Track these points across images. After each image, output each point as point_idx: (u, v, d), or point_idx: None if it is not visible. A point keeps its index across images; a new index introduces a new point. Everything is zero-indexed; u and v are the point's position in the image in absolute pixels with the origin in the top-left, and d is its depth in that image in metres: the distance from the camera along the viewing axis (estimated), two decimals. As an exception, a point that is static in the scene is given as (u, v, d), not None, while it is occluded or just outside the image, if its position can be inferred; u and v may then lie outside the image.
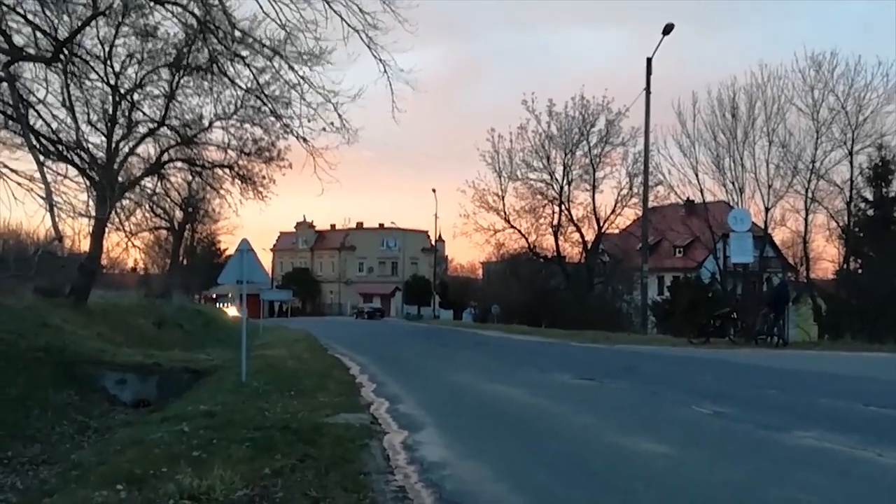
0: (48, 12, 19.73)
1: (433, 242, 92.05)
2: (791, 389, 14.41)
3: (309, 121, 20.68)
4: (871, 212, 38.55)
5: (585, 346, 27.73)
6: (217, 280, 17.33)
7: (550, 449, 9.21)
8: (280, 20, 17.68)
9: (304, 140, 20.54)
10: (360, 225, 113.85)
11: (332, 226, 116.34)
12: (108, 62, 30.89)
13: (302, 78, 18.92)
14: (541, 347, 27.86)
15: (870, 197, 38.47)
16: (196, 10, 19.46)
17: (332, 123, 19.80)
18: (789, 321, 30.93)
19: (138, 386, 18.91)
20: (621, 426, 10.68)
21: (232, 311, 63.28)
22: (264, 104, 24.69)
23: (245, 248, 15.66)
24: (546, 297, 50.87)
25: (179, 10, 20.35)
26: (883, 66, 36.04)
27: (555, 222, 49.13)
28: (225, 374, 18.29)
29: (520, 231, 50.02)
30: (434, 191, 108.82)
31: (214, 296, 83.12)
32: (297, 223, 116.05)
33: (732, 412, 11.44)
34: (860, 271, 38.49)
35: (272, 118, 31.86)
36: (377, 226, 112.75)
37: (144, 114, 32.70)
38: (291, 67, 18.83)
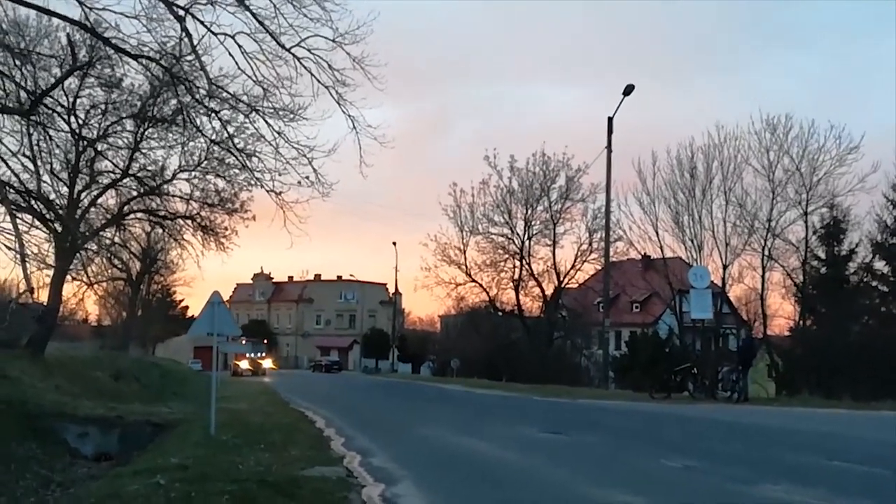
0: (26, 69, 19.78)
1: (391, 295, 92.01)
2: (756, 444, 14.67)
3: (280, 174, 20.81)
4: (823, 270, 39.44)
5: (548, 400, 27.87)
6: (188, 332, 17.23)
7: (529, 502, 9.31)
8: (256, 76, 17.86)
9: (276, 193, 20.67)
10: (318, 277, 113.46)
11: (290, 277, 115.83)
12: (73, 112, 30.90)
13: (278, 133, 19.09)
14: (504, 401, 27.94)
15: (823, 256, 39.39)
16: (164, 63, 19.61)
17: (307, 178, 19.94)
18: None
19: (100, 439, 18.64)
20: (595, 479, 10.80)
21: (267, 362, 73.06)
22: (235, 157, 24.79)
23: (216, 301, 15.66)
24: (506, 351, 51.06)
25: (147, 61, 20.50)
26: (835, 130, 37.04)
27: (516, 276, 49.57)
28: (189, 427, 18.10)
29: (481, 285, 50.36)
30: (394, 244, 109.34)
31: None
32: (255, 275, 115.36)
33: (701, 466, 11.64)
34: (814, 328, 39.25)
35: (236, 170, 32.00)
36: (335, 278, 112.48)
37: (113, 162, 32.64)
38: (268, 123, 18.99)
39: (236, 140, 23.42)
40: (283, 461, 12.15)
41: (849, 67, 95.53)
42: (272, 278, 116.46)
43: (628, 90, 31.25)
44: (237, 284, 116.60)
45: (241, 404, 24.81)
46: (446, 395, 32.59)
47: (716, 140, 38.13)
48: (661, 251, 39.97)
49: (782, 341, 40.54)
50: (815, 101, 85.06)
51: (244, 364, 65.17)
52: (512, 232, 49.07)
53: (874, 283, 39.56)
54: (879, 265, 39.06)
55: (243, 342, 64.31)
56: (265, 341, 77.46)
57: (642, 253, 42.66)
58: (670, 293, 42.11)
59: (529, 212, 48.51)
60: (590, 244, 47.78)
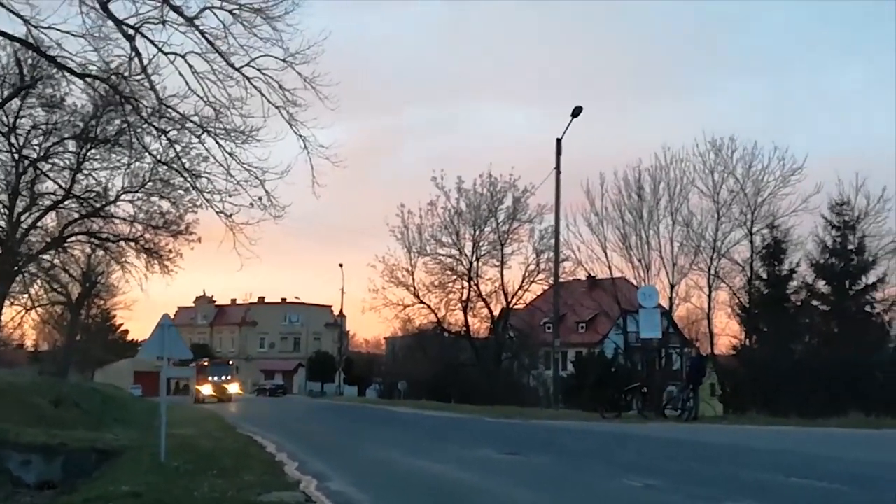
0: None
1: (336, 317, 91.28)
2: (712, 462, 14.74)
3: (230, 196, 20.48)
4: (766, 290, 40.10)
5: (500, 421, 27.76)
6: (137, 355, 16.85)
7: (496, 524, 9.19)
8: (207, 97, 17.61)
9: (227, 215, 20.32)
10: (261, 300, 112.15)
11: (233, 300, 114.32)
12: (14, 132, 30.22)
13: (230, 154, 18.80)
14: (455, 423, 27.78)
15: (765, 276, 40.07)
16: (110, 82, 19.26)
17: (259, 199, 19.65)
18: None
19: (43, 467, 18.07)
20: (558, 500, 10.74)
21: (234, 387, 63.60)
22: (184, 178, 24.39)
23: (167, 324, 15.32)
24: (454, 373, 50.91)
25: (93, 80, 20.11)
26: (779, 151, 37.79)
27: (464, 297, 49.51)
28: (137, 453, 17.63)
29: (429, 306, 50.17)
30: (341, 265, 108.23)
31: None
32: (197, 297, 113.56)
33: (662, 485, 11.63)
34: (757, 348, 39.82)
35: (182, 191, 31.53)
36: (280, 300, 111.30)
37: (57, 183, 31.94)
38: (219, 143, 18.70)
39: (184, 160, 23.06)
40: (238, 487, 11.88)
41: (792, 91, 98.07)
42: (215, 301, 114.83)
43: (576, 112, 31.54)
44: (179, 308, 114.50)
45: (188, 429, 24.28)
46: (396, 417, 32.31)
47: (662, 161, 38.69)
48: (610, 271, 40.36)
49: (728, 360, 41.07)
50: (759, 124, 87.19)
51: (206, 389, 58.49)
52: (460, 253, 49.11)
53: (815, 303, 40.33)
54: (820, 285, 39.83)
55: (205, 363, 61.58)
56: (230, 363, 68.49)
57: (593, 273, 42.96)
58: (617, 313, 42.42)
59: (477, 233, 48.61)
60: (537, 265, 48.02)
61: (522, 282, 49.01)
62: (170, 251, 34.22)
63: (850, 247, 38.70)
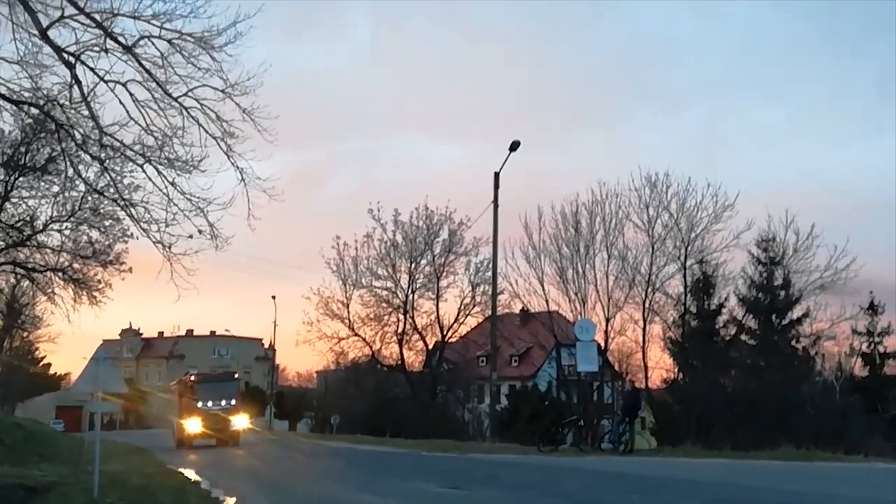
0: None
1: (267, 350, 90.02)
2: (653, 494, 14.89)
3: (168, 226, 20.03)
4: (696, 324, 40.87)
5: (437, 455, 27.59)
6: (71, 389, 16.27)
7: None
8: (148, 126, 17.35)
9: (165, 246, 19.86)
10: (190, 332, 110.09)
11: (160, 333, 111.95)
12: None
13: (171, 183, 18.45)
14: (393, 457, 27.54)
15: (695, 310, 40.84)
16: (42, 109, 18.88)
17: (200, 231, 19.22)
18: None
19: (-34, 506, 17.20)
20: (508, 534, 10.70)
21: (241, 419, 39.00)
22: (121, 208, 23.84)
23: (102, 356, 14.95)
24: (389, 407, 50.59)
25: (27, 107, 19.68)
26: (712, 188, 38.61)
27: (399, 330, 49.31)
28: (68, 490, 17.03)
29: (364, 339, 49.83)
30: (273, 297, 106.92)
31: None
32: (123, 330, 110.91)
33: (608, 518, 11.70)
34: (687, 381, 40.47)
35: (112, 220, 30.85)
36: (209, 333, 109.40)
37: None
38: (160, 173, 18.36)
39: (119, 189, 22.55)
40: (180, 525, 11.56)
41: (726, 127, 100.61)
42: (141, 334, 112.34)
43: (514, 146, 31.87)
44: (104, 340, 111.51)
45: (115, 465, 23.53)
46: (333, 451, 31.90)
47: (599, 196, 39.30)
48: (547, 304, 40.68)
49: (660, 393, 41.63)
50: (693, 161, 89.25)
51: (194, 424, 37.04)
52: (396, 285, 48.97)
53: (743, 337, 41.22)
54: (748, 319, 40.75)
55: (192, 380, 39.81)
56: (235, 376, 43.32)
57: (530, 307, 43.25)
58: (551, 346, 42.74)
59: (413, 265, 48.57)
60: (473, 297, 48.13)
61: (458, 315, 49.10)
62: (99, 281, 33.35)
63: (777, 282, 39.73)
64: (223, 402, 37.65)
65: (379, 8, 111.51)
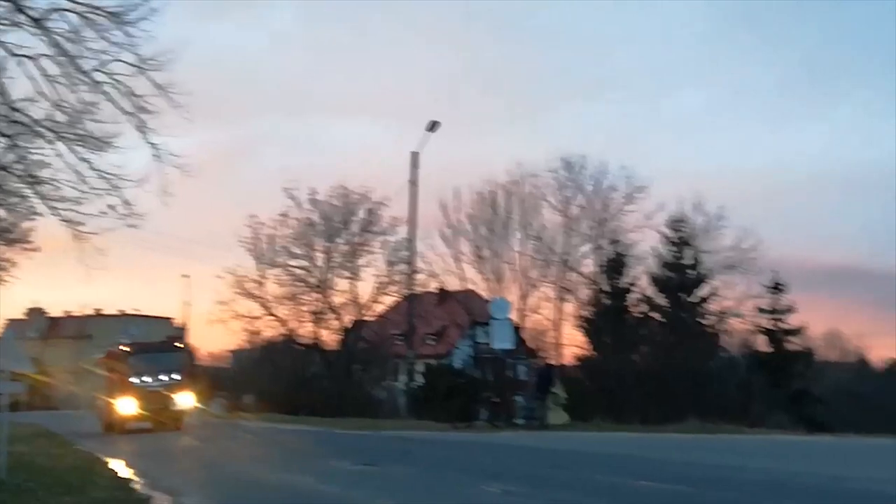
0: None
1: (178, 330, 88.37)
2: (565, 467, 15.21)
3: (79, 204, 19.43)
4: (607, 301, 41.74)
5: (353, 433, 27.65)
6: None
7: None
8: (59, 102, 16.87)
9: (74, 224, 19.25)
10: (99, 312, 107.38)
11: (68, 313, 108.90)
12: None
13: (83, 160, 17.93)
14: (309, 436, 27.43)
15: (608, 288, 41.70)
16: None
17: (112, 208, 18.73)
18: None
19: None
20: (423, 508, 10.81)
21: (185, 397, 31.48)
22: (27, 184, 23.02)
23: (8, 335, 14.50)
24: (304, 386, 50.21)
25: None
26: (625, 170, 39.49)
27: (315, 309, 48.97)
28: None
29: (279, 318, 49.35)
30: (186, 276, 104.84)
31: None
32: (28, 310, 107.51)
33: (520, 490, 11.92)
34: (599, 357, 41.37)
35: (18, 198, 29.81)
36: (118, 313, 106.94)
37: None
38: (71, 150, 17.83)
39: (25, 166, 21.80)
40: (90, 504, 11.34)
41: (640, 112, 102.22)
42: (47, 314, 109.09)
43: (433, 126, 31.92)
44: (8, 320, 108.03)
45: (19, 446, 22.85)
46: (248, 430, 31.61)
47: (516, 177, 39.74)
48: (463, 283, 40.98)
49: (573, 370, 42.43)
50: (608, 144, 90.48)
51: (128, 404, 30.23)
52: (312, 264, 48.54)
53: (653, 315, 42.28)
54: (658, 297, 41.80)
55: (125, 350, 32.67)
56: (177, 344, 37.75)
57: (447, 286, 43.52)
58: (467, 324, 43.11)
59: (330, 244, 48.23)
60: (389, 276, 48.02)
61: (374, 293, 49.00)
62: (4, 260, 32.22)
63: (686, 262, 40.84)
64: (164, 377, 31.13)
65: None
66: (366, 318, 50.08)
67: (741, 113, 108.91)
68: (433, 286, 45.75)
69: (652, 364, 39.60)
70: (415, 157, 32.67)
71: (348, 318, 49.59)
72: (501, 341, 29.00)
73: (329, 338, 50.53)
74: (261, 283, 48.78)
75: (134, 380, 30.45)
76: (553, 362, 38.12)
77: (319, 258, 48.57)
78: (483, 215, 39.69)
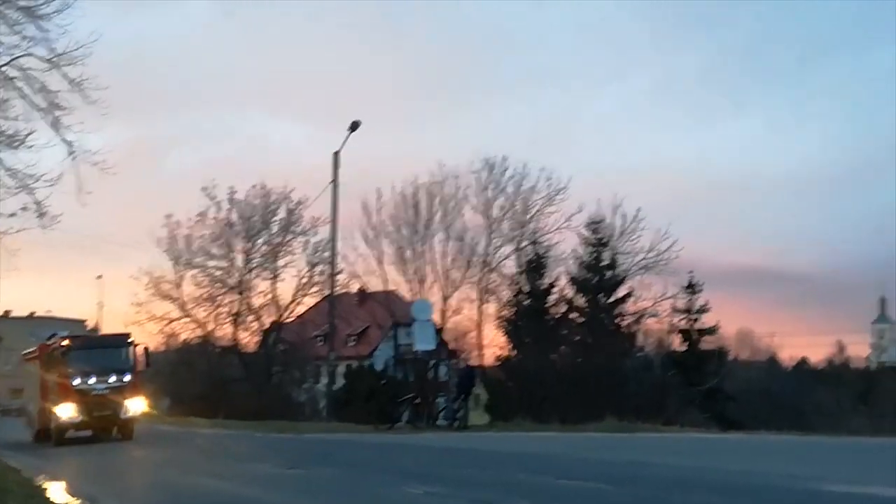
0: None
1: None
2: (487, 468, 15.37)
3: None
4: (528, 302, 42.21)
5: (272, 436, 27.44)
6: None
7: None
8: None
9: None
10: (7, 313, 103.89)
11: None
12: None
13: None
14: (228, 440, 27.07)
15: (528, 289, 42.17)
16: None
17: (23, 208, 18.22)
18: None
19: None
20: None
21: (136, 402, 26.98)
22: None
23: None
24: (222, 389, 49.51)
25: None
26: (546, 172, 40.01)
27: (234, 311, 48.35)
28: None
29: (197, 320, 48.58)
30: (100, 277, 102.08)
31: None
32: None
33: (442, 491, 12.03)
34: (520, 358, 41.79)
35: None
36: (27, 314, 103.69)
37: None
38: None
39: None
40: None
41: (561, 113, 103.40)
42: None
43: (354, 126, 31.76)
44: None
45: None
46: (165, 434, 31.04)
47: (438, 178, 39.89)
48: (385, 284, 41.00)
49: (494, 371, 42.78)
50: (529, 145, 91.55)
51: (67, 409, 25.80)
52: (231, 265, 47.95)
53: (573, 315, 42.90)
54: (577, 298, 42.45)
55: (63, 344, 26.75)
56: (130, 340, 28.51)
57: (368, 287, 43.47)
58: (389, 325, 43.11)
59: (249, 244, 47.69)
60: (310, 277, 47.73)
61: (295, 294, 48.63)
62: None
63: (604, 262, 41.58)
64: (112, 378, 26.09)
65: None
66: (286, 320, 49.68)
67: (659, 114, 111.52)
68: (354, 287, 45.61)
69: (571, 364, 40.21)
70: (336, 157, 32.52)
71: (268, 320, 49.15)
72: (424, 342, 29.10)
73: (248, 340, 50.00)
74: (178, 285, 48.03)
75: (75, 381, 25.67)
76: (474, 363, 38.40)
77: (238, 259, 48.04)
78: (405, 216, 39.79)
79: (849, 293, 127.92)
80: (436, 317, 36.54)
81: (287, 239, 47.93)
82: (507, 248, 40.96)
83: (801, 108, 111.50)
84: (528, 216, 40.32)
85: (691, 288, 43.01)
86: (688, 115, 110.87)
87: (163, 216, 48.12)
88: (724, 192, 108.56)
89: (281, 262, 48.32)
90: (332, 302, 35.46)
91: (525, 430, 25.65)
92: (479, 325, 41.21)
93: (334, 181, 32.56)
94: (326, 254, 39.20)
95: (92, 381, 26.01)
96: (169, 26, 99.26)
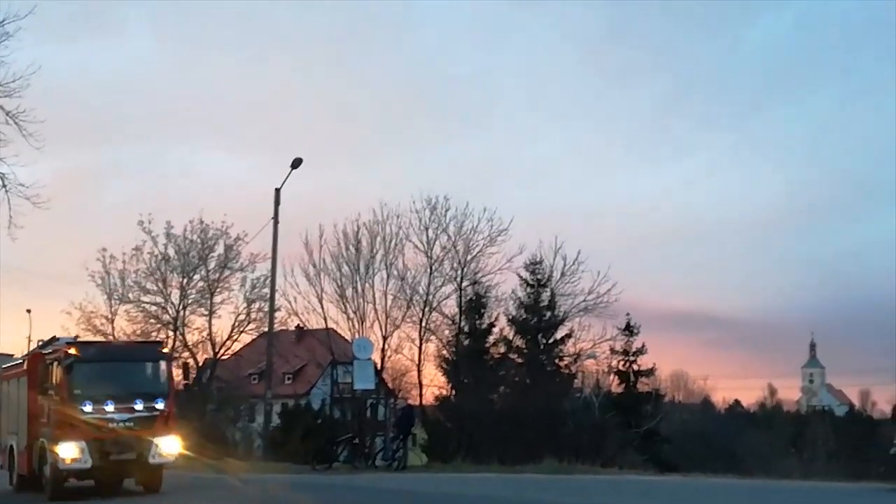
0: None
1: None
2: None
3: None
4: (468, 342, 42.21)
5: (206, 476, 26.75)
6: None
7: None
8: None
9: None
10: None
11: None
12: None
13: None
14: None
15: (468, 329, 42.18)
16: None
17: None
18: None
19: None
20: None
21: (170, 442, 19.47)
22: None
23: None
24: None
25: None
26: (488, 212, 40.20)
27: (168, 347, 47.27)
28: None
29: (129, 356, 47.35)
30: (28, 311, 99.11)
31: None
32: None
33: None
34: (459, 398, 41.67)
35: None
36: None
37: None
38: None
39: None
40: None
41: (505, 155, 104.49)
42: None
43: (296, 163, 31.62)
44: None
45: None
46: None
47: (380, 216, 39.81)
48: (325, 322, 40.64)
49: (433, 411, 42.55)
50: (472, 186, 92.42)
51: (70, 449, 18.43)
52: (166, 301, 46.94)
53: (512, 356, 42.98)
54: (516, 338, 42.57)
55: (69, 352, 19.21)
56: (163, 351, 21.80)
57: (299, 323, 43.04)
58: (326, 363, 42.69)
59: (186, 280, 46.82)
60: (248, 314, 46.99)
61: (232, 331, 47.77)
62: None
63: (543, 303, 41.83)
64: (139, 405, 18.98)
65: (162, 18, 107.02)
66: (222, 357, 48.81)
67: (602, 158, 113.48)
68: (292, 324, 45.07)
69: (510, 404, 40.19)
70: (277, 193, 32.27)
71: (203, 357, 48.23)
72: (363, 381, 28.84)
73: (182, 377, 48.91)
74: (111, 320, 46.89)
75: (86, 408, 18.49)
76: (414, 403, 38.11)
77: (174, 294, 47.05)
78: (346, 254, 39.53)
79: (780, 337, 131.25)
80: (375, 356, 36.30)
81: (224, 275, 47.22)
82: (449, 288, 40.95)
83: (739, 156, 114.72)
84: (469, 256, 40.40)
85: (629, 330, 43.47)
86: (630, 158, 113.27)
87: (97, 250, 47.10)
88: (664, 235, 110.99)
89: (218, 299, 47.47)
90: (270, 339, 35.00)
91: (463, 471, 25.52)
92: (419, 365, 41.00)
93: (275, 218, 32.29)
94: (265, 290, 38.76)
95: (110, 408, 18.64)
96: (108, 59, 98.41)
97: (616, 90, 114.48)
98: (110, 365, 19.73)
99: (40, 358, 20.38)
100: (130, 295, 46.70)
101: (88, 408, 18.36)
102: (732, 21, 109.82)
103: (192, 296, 47.24)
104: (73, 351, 19.03)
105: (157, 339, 24.98)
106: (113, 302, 46.66)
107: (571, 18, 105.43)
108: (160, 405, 19.07)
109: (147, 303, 46.99)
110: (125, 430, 18.61)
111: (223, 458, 34.41)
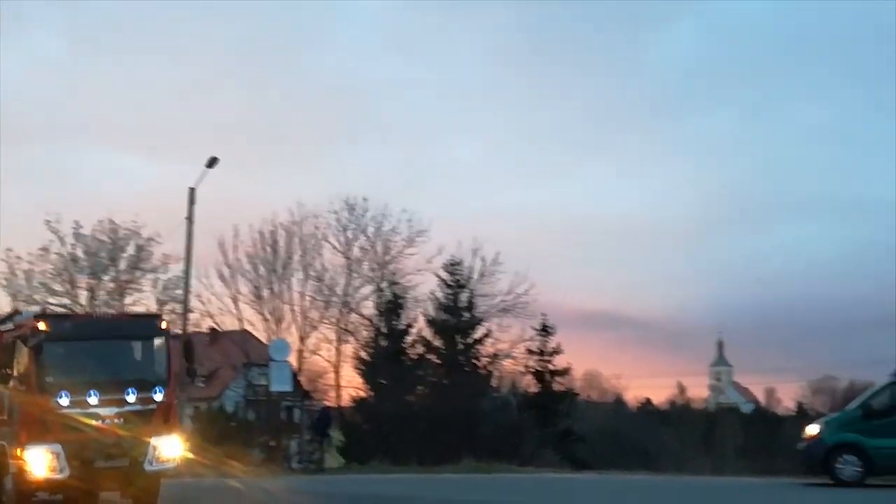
0: None
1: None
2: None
3: None
4: (385, 343, 42.10)
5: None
6: None
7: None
8: None
9: None
10: None
11: None
12: None
13: None
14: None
15: (386, 330, 42.08)
16: None
17: None
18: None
19: None
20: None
21: (170, 443, 14.81)
22: None
23: None
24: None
25: None
26: (407, 214, 40.30)
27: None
28: None
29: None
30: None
31: None
32: None
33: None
34: (376, 399, 41.52)
35: None
36: None
37: None
38: None
39: None
40: None
41: (424, 159, 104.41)
42: None
43: (211, 163, 30.94)
44: None
45: None
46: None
47: (297, 217, 39.47)
48: (241, 324, 40.09)
49: (350, 412, 42.31)
50: (392, 189, 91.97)
51: (43, 456, 13.86)
52: (74, 302, 45.62)
53: (430, 356, 43.02)
54: (434, 339, 42.62)
55: (41, 324, 14.54)
56: (161, 325, 16.41)
57: (213, 325, 42.38)
58: (242, 366, 42.08)
59: (95, 281, 45.56)
60: (160, 316, 46.05)
61: (143, 333, 46.71)
62: None
63: (462, 304, 42.01)
64: (130, 397, 14.58)
65: (72, 22, 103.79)
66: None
67: (519, 160, 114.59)
68: (205, 326, 44.28)
69: (428, 405, 40.23)
70: (192, 192, 31.55)
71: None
72: (280, 383, 28.49)
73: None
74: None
75: (61, 400, 14.15)
76: (331, 404, 37.83)
77: (83, 296, 45.70)
78: (262, 255, 39.06)
79: (690, 337, 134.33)
80: (293, 357, 35.93)
81: (135, 276, 46.13)
82: (367, 289, 40.88)
83: (650, 160, 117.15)
84: (388, 257, 40.40)
85: (545, 330, 43.91)
86: (547, 162, 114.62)
87: (1, 250, 45.47)
88: (579, 237, 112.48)
89: (129, 300, 46.33)
90: (185, 342, 34.18)
91: (381, 472, 25.43)
92: (336, 366, 40.76)
93: (189, 217, 31.61)
94: (178, 291, 38.00)
95: (93, 401, 14.31)
96: (14, 59, 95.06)
97: (534, 96, 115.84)
98: (92, 344, 15.14)
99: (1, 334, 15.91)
100: (37, 296, 45.28)
101: (64, 400, 14.05)
102: (646, 26, 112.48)
103: (102, 297, 46.04)
104: (42, 326, 14.42)
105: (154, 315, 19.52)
106: (18, 303, 45.16)
107: (492, 24, 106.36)
108: (159, 396, 14.76)
109: (54, 304, 45.59)
110: (111, 427, 14.32)
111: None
